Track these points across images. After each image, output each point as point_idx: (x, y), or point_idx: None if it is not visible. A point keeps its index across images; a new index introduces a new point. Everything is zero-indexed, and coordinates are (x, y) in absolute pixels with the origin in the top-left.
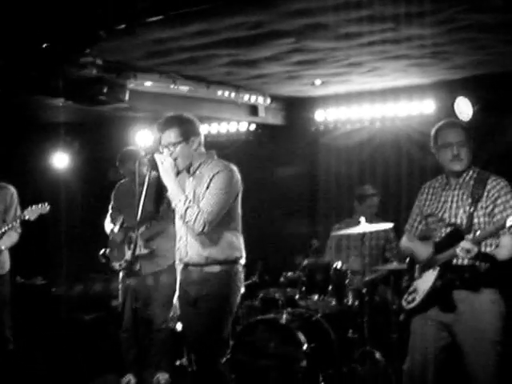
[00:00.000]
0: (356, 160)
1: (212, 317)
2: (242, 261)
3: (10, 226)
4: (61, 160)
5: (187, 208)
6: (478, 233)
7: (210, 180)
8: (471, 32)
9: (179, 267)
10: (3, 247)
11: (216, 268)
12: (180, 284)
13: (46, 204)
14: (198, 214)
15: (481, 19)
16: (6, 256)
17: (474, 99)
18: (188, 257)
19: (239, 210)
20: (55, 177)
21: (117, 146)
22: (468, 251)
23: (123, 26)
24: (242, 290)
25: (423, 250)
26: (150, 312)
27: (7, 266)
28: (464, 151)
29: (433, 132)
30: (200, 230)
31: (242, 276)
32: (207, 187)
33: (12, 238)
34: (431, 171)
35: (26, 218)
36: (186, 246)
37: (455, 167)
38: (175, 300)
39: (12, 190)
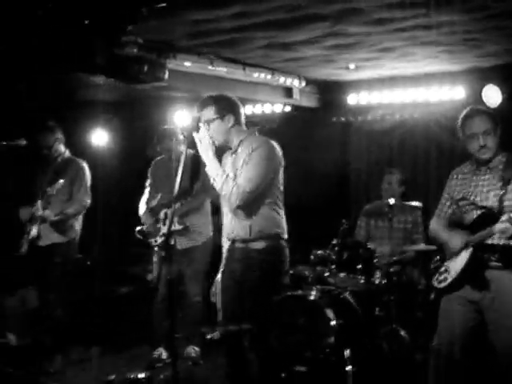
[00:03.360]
0: (387, 144)
1: (258, 292)
2: (285, 236)
3: (53, 191)
4: (100, 137)
5: (223, 182)
6: None
7: (249, 155)
8: (502, 20)
9: (226, 244)
10: (53, 217)
11: (261, 244)
12: (225, 260)
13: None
14: (233, 188)
15: None
16: (69, 226)
17: (504, 87)
18: (234, 233)
19: (281, 187)
20: (94, 154)
21: (155, 125)
22: (504, 231)
23: (164, 4)
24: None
25: (457, 239)
26: (183, 286)
27: (68, 236)
28: (490, 139)
29: (459, 122)
30: (236, 203)
31: (286, 251)
32: (246, 162)
33: (72, 209)
34: (460, 156)
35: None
36: (230, 222)
37: (483, 156)
38: (219, 276)
39: (81, 164)
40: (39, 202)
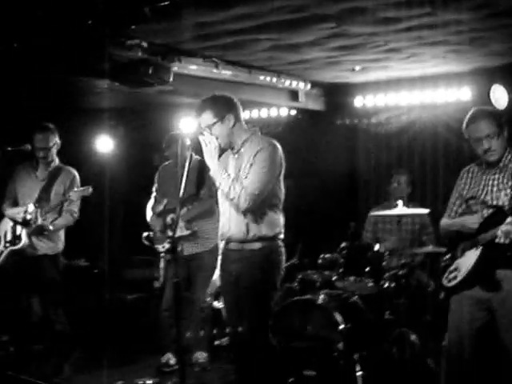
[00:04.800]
0: (394, 146)
1: (255, 293)
2: (281, 236)
3: (52, 206)
4: (105, 144)
5: (230, 186)
6: None
7: (254, 157)
8: (508, 18)
9: (221, 243)
10: (51, 227)
11: (256, 245)
12: (221, 261)
13: (90, 187)
14: (241, 191)
15: None
16: (58, 237)
17: (511, 87)
18: (230, 232)
19: (282, 188)
20: (100, 161)
21: (161, 132)
22: (507, 234)
23: (167, 2)
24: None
25: (473, 220)
26: (190, 292)
27: (58, 247)
28: (495, 142)
29: (464, 125)
30: (245, 206)
31: (282, 250)
32: (251, 164)
33: (64, 219)
34: (468, 157)
35: (70, 198)
36: (228, 221)
37: (489, 159)
38: (215, 277)
39: (73, 173)
40: (33, 209)
